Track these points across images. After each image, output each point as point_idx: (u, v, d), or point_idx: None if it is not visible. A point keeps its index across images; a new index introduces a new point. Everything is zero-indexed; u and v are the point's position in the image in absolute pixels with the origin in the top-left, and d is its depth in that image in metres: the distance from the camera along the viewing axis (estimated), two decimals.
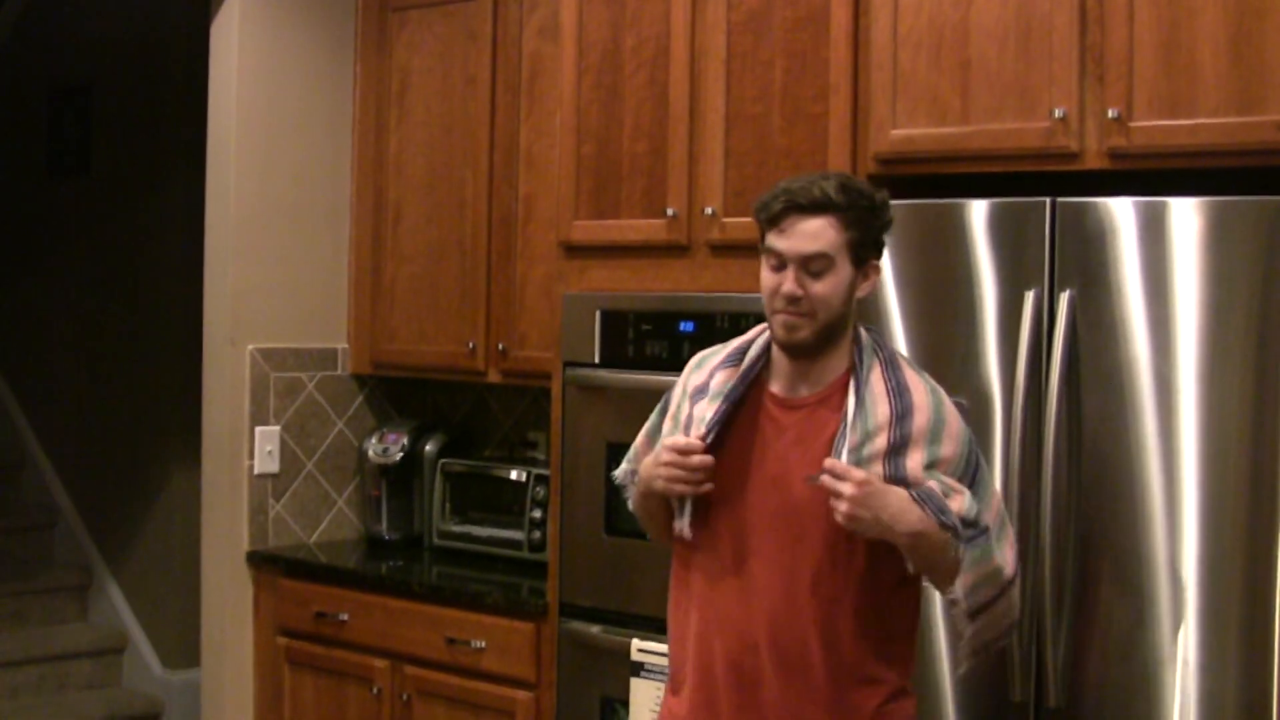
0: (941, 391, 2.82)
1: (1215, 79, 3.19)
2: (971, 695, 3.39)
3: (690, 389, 2.93)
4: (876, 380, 2.76)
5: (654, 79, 4.12)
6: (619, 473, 3.08)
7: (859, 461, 2.68)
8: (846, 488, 2.59)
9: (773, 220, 2.73)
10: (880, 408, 2.73)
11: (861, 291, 2.78)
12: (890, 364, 2.80)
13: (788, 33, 3.88)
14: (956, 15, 3.52)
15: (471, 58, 4.93)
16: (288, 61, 5.11)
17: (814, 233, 2.69)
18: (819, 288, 2.71)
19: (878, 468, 2.69)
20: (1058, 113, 3.36)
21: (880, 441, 2.70)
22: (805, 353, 2.78)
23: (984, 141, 3.48)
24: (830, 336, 2.77)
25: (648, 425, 3.06)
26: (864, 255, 2.75)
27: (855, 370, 2.77)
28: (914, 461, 2.71)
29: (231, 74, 4.99)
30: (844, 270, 2.72)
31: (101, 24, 6.44)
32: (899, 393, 2.75)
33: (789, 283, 2.70)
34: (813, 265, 2.70)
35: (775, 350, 2.84)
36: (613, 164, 4.20)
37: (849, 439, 2.70)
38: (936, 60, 3.56)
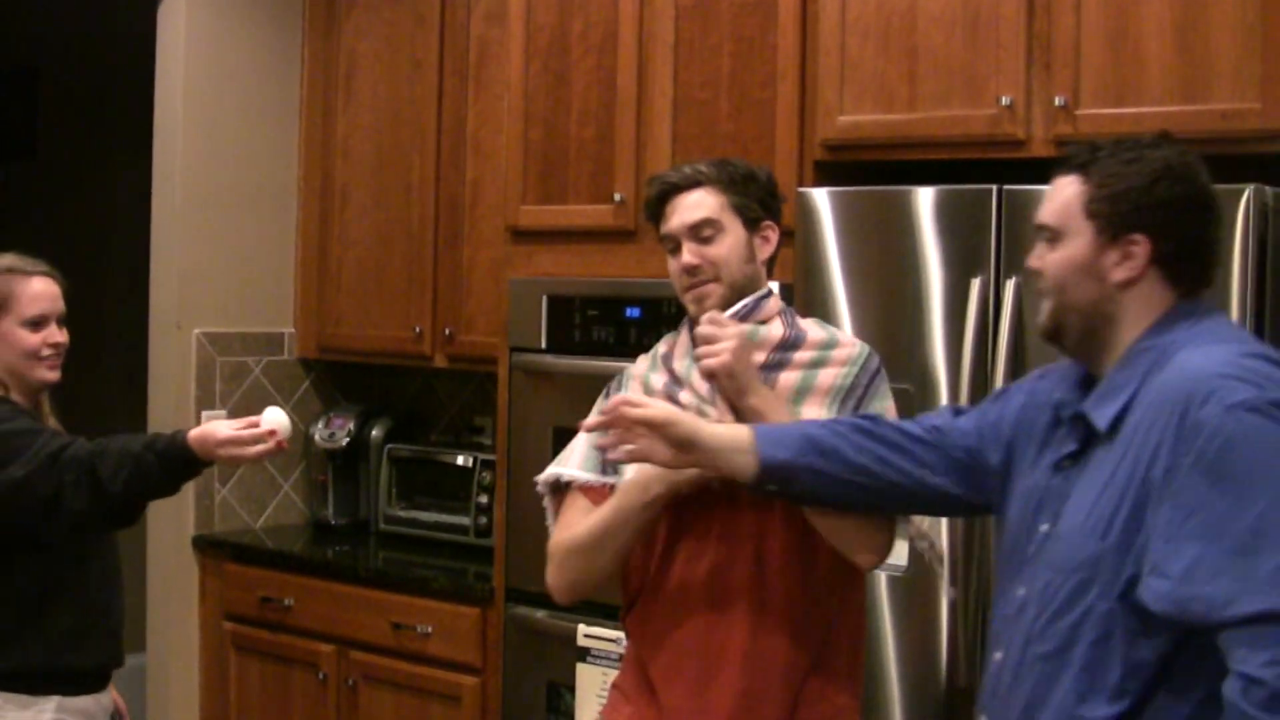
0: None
1: (1161, 67, 3.20)
2: (914, 682, 3.37)
3: (659, 389, 2.83)
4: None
5: (602, 64, 4.09)
6: (543, 477, 2.90)
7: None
8: (728, 337, 2.61)
9: (655, 209, 2.79)
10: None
11: (764, 253, 2.77)
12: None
13: (736, 18, 3.86)
14: (904, 2, 3.52)
15: (419, 42, 4.90)
16: (235, 45, 5.07)
17: (694, 203, 2.73)
18: (713, 251, 2.73)
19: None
20: (1004, 100, 3.36)
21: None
22: None
23: (931, 128, 3.49)
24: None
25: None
26: (753, 216, 2.76)
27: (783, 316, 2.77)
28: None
29: (179, 57, 4.94)
30: (735, 232, 2.74)
31: (49, 6, 6.35)
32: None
33: (685, 254, 2.74)
34: (701, 232, 2.72)
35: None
36: (560, 149, 4.17)
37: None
38: (884, 47, 3.55)
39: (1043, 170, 3.30)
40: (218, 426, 2.97)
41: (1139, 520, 2.03)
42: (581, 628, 3.93)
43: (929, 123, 3.48)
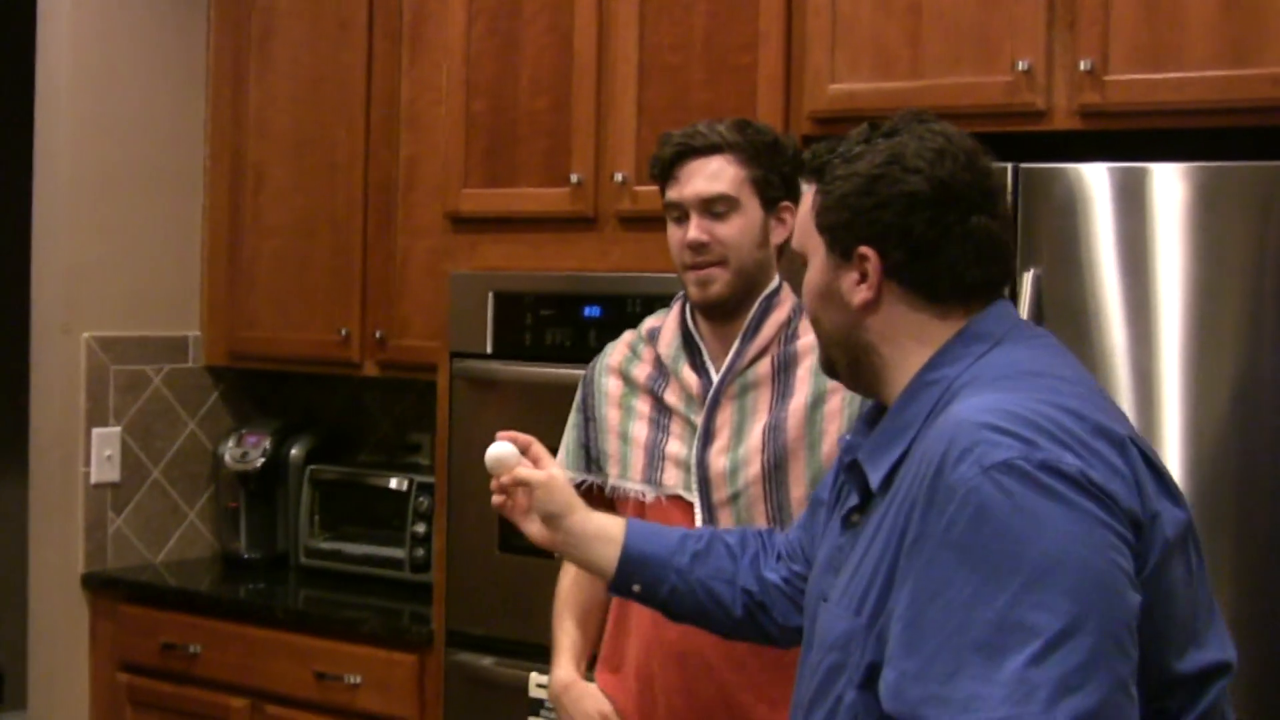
0: None
1: (1204, 27, 3.19)
2: None
3: (642, 382, 2.99)
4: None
5: (556, 25, 4.09)
6: None
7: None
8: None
9: (667, 170, 2.86)
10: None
11: (778, 237, 2.88)
12: None
13: None
14: None
15: None
16: (129, 2, 5.04)
17: (712, 173, 2.82)
18: (725, 230, 2.82)
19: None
20: (1022, 65, 3.36)
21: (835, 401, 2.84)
22: (728, 312, 2.88)
23: (937, 98, 3.46)
24: (751, 290, 2.87)
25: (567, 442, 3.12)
26: (773, 196, 2.85)
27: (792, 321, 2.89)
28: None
29: (63, 15, 4.92)
30: (752, 212, 2.84)
31: None
32: None
33: (693, 229, 2.81)
34: (715, 207, 2.82)
35: (693, 322, 2.94)
36: (508, 123, 4.17)
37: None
38: (883, 4, 3.55)
39: (1066, 145, 3.35)
40: None
41: (888, 596, 1.92)
42: (534, 677, 3.89)
43: (935, 91, 3.47)
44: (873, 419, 2.13)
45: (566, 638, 3.07)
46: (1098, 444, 1.84)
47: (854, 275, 2.04)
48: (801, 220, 2.13)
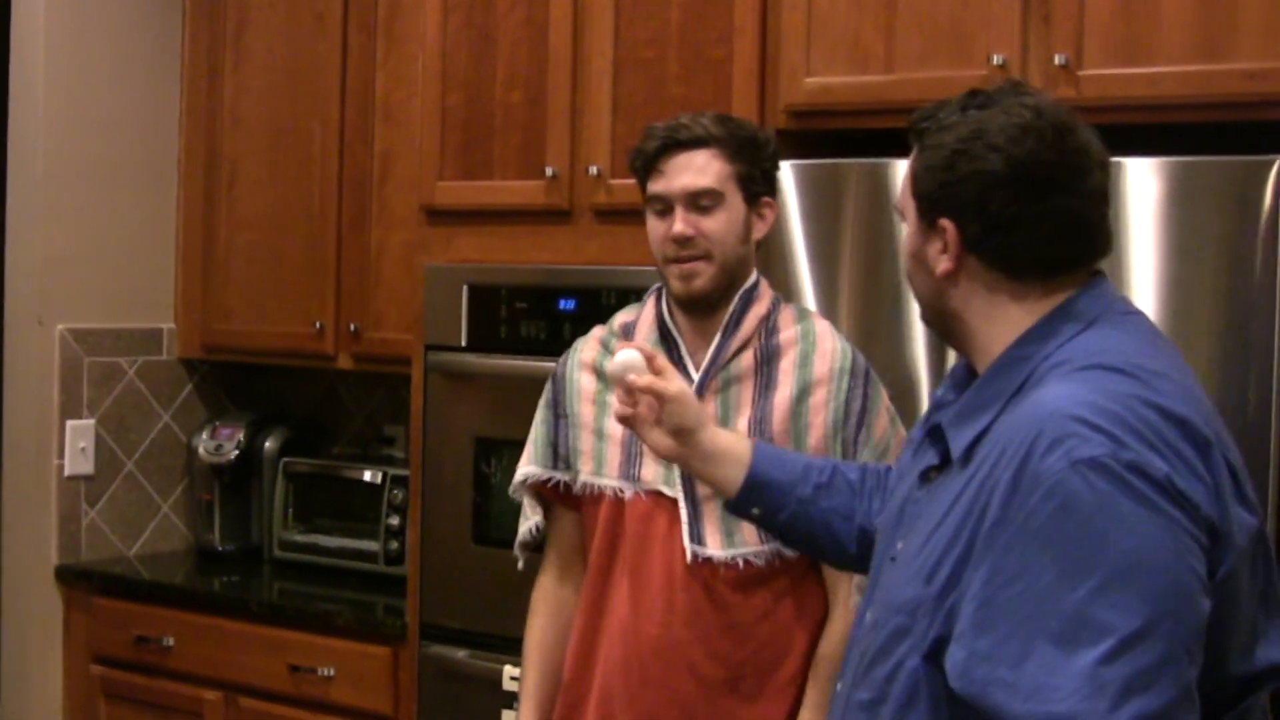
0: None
1: (1178, 22, 3.19)
2: None
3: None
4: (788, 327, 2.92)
5: (532, 18, 4.09)
6: (513, 484, 3.12)
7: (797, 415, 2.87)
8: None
9: (651, 164, 2.86)
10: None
11: (758, 233, 2.92)
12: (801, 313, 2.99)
13: None
14: None
15: None
16: None
17: (698, 167, 2.83)
18: (710, 224, 2.83)
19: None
20: (997, 59, 3.36)
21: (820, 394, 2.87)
22: (709, 307, 2.88)
23: (912, 92, 3.44)
24: (732, 285, 2.88)
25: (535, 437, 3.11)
26: (755, 191, 2.87)
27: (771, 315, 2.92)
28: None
29: (37, 10, 4.90)
30: (736, 206, 2.85)
31: None
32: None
33: (678, 223, 2.81)
34: (701, 201, 2.82)
35: (671, 317, 2.93)
36: (484, 116, 4.17)
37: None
38: None
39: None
40: None
41: (961, 573, 1.94)
42: (508, 669, 3.92)
43: (910, 85, 3.47)
44: (962, 380, 2.17)
45: (531, 685, 3.07)
46: (1183, 447, 1.86)
47: (938, 244, 2.08)
48: (903, 181, 2.17)
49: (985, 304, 2.07)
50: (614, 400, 2.58)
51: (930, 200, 2.08)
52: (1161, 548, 1.80)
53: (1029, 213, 2.02)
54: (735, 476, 2.51)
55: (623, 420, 2.53)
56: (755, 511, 2.52)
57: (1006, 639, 1.83)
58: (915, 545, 2.04)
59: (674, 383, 2.50)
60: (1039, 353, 2.01)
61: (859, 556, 2.49)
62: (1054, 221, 2.03)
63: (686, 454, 2.52)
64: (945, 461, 2.09)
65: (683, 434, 2.50)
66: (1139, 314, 2.12)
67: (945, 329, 2.16)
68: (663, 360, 2.55)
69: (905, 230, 2.16)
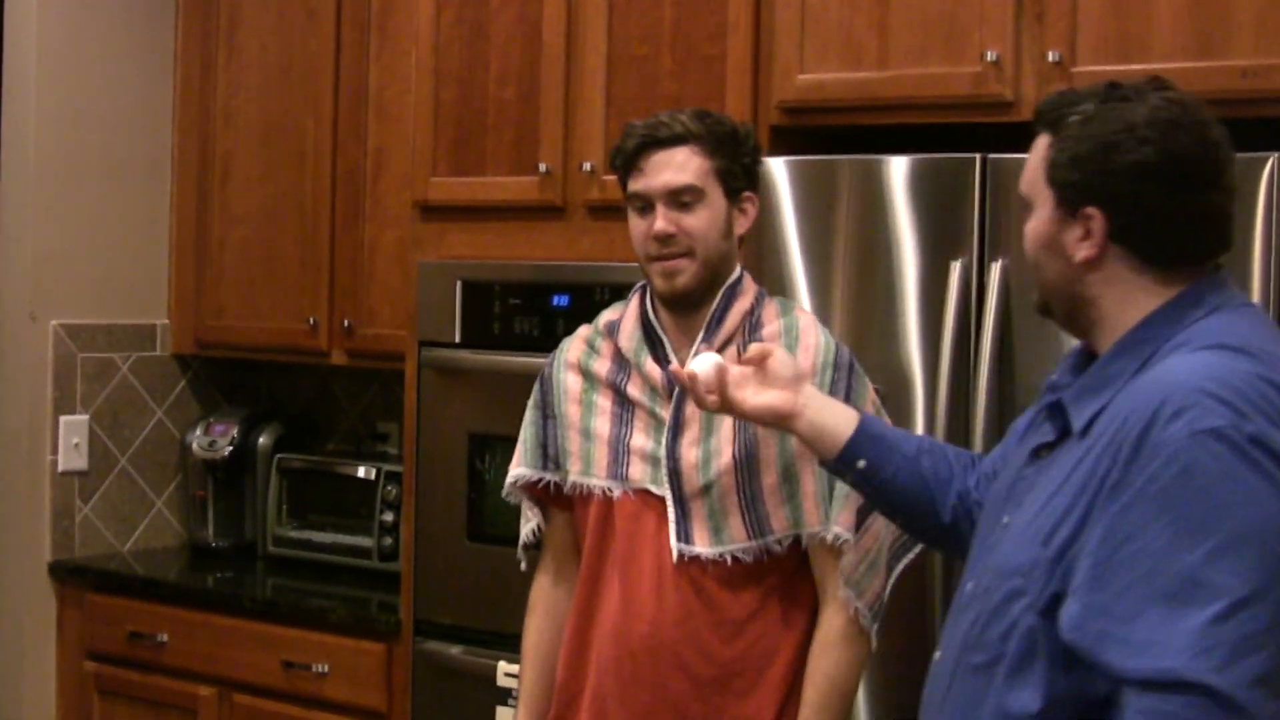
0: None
1: (1171, 19, 3.20)
2: None
3: (603, 376, 2.98)
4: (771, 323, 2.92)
5: (525, 14, 4.08)
6: (506, 486, 3.12)
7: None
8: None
9: (630, 162, 2.86)
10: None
11: (740, 228, 2.92)
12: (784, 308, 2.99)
13: None
14: None
15: None
16: None
17: (678, 164, 2.83)
18: (691, 221, 2.83)
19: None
20: (990, 56, 3.36)
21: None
22: (692, 304, 2.88)
23: (905, 88, 3.49)
24: (715, 281, 2.88)
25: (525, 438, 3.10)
26: (736, 186, 2.88)
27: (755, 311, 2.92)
28: None
29: (30, 4, 4.89)
30: (717, 202, 2.85)
31: None
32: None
33: (660, 220, 2.82)
34: (682, 198, 2.83)
35: (655, 315, 2.93)
36: (477, 112, 4.16)
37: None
38: None
39: (1033, 136, 3.33)
40: None
41: (1079, 534, 2.02)
42: (502, 665, 3.92)
43: (903, 81, 3.48)
44: (1077, 364, 2.23)
45: (528, 684, 3.08)
46: None
47: (1079, 231, 2.14)
48: (1032, 168, 2.20)
49: (1121, 290, 2.14)
50: (703, 395, 2.64)
51: (1077, 189, 2.13)
52: (1277, 518, 1.89)
53: (1176, 205, 2.10)
54: (845, 427, 2.57)
55: (718, 407, 2.63)
56: (861, 464, 2.56)
57: (1120, 595, 1.92)
58: (1029, 514, 2.11)
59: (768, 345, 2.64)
60: (1164, 334, 2.09)
61: (951, 526, 2.54)
62: (1197, 214, 2.12)
63: (803, 404, 2.59)
64: (1061, 438, 2.16)
65: (797, 382, 2.60)
66: (1254, 305, 2.22)
67: (1070, 313, 2.21)
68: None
69: (1035, 217, 2.20)
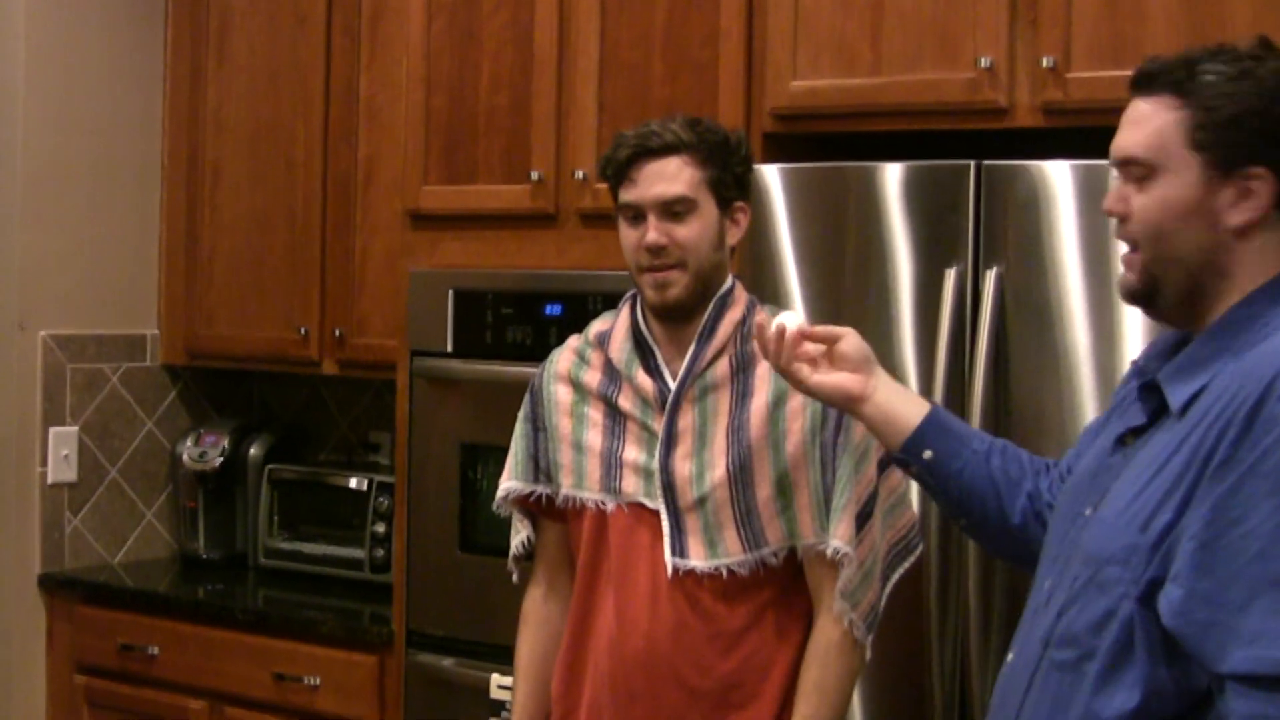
0: None
1: (1166, 23, 3.20)
2: None
3: (593, 388, 2.97)
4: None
5: (516, 20, 4.08)
6: (496, 499, 3.11)
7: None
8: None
9: (622, 172, 2.85)
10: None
11: (732, 238, 2.91)
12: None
13: None
14: None
15: None
16: None
17: (670, 174, 2.81)
18: (683, 232, 2.82)
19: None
20: (984, 61, 3.36)
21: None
22: (684, 315, 2.87)
23: (899, 95, 3.49)
24: (707, 291, 2.87)
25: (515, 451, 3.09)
26: (728, 195, 2.87)
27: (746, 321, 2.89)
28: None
29: (19, 12, 4.88)
30: (709, 212, 2.84)
31: None
32: None
33: (651, 231, 2.81)
34: (675, 208, 2.81)
35: (646, 325, 2.92)
36: (468, 119, 4.16)
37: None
38: (844, 0, 3.54)
39: (1028, 142, 3.33)
40: None
41: (1181, 517, 1.93)
42: (495, 678, 3.90)
43: (896, 88, 3.48)
44: (1165, 350, 2.15)
45: (521, 698, 3.07)
46: None
47: (1232, 194, 2.04)
48: (1154, 132, 2.08)
49: (1262, 262, 2.05)
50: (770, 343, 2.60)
51: (1236, 148, 2.03)
52: None
53: None
54: (914, 415, 2.51)
55: (788, 367, 2.58)
56: (927, 455, 2.49)
57: (1229, 582, 1.84)
58: (1122, 500, 2.03)
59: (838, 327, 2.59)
60: (1270, 311, 2.01)
61: (1020, 529, 2.45)
62: None
63: (873, 388, 2.54)
64: (1152, 420, 2.08)
65: (868, 365, 2.55)
66: None
67: (1190, 291, 2.09)
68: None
69: (1166, 184, 2.07)
